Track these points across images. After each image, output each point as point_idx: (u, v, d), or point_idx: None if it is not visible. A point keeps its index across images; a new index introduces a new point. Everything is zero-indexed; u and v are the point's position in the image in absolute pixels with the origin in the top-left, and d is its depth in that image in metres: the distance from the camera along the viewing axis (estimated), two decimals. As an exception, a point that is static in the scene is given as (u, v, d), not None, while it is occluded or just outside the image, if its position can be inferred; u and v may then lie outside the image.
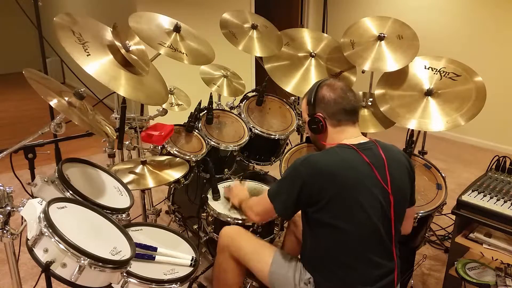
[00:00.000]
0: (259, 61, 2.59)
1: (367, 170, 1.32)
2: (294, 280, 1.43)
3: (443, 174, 1.99)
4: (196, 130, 2.22)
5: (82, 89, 1.42)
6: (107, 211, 1.40)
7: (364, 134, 2.21)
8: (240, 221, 1.84)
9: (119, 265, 1.18)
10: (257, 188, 2.14)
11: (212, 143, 2.19)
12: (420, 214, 1.80)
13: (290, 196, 1.35)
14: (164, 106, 2.22)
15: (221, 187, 2.08)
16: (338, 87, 1.44)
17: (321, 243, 1.37)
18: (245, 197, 1.77)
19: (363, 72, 2.28)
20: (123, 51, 1.57)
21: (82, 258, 1.08)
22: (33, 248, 1.11)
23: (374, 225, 1.31)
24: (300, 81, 2.40)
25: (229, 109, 2.47)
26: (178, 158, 2.00)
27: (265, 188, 2.15)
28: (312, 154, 1.36)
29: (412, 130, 2.11)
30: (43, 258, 1.10)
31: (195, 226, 2.13)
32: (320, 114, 1.43)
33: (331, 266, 1.36)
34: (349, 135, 1.42)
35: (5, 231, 1.25)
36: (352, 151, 1.35)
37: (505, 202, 1.69)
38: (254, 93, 2.54)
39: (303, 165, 1.34)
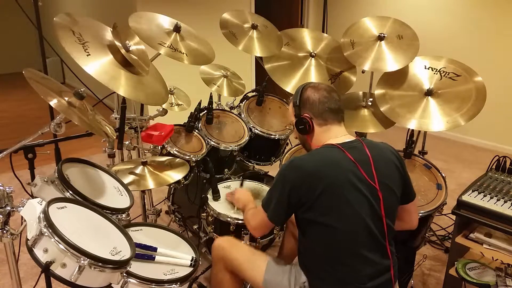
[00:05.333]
0: (259, 61, 2.59)
1: (352, 167, 1.34)
2: (289, 286, 1.43)
3: (443, 174, 1.99)
4: (196, 130, 2.22)
5: (82, 89, 1.42)
6: (107, 211, 1.40)
7: (364, 134, 2.23)
8: (240, 221, 1.84)
9: (119, 265, 1.18)
10: (257, 188, 2.14)
11: (212, 143, 2.19)
12: (420, 214, 1.80)
13: (281, 202, 1.36)
14: (164, 106, 2.23)
15: (221, 187, 2.08)
16: (322, 88, 1.48)
17: (313, 242, 1.38)
18: (248, 201, 1.75)
19: (363, 72, 2.28)
20: (123, 51, 1.57)
21: (82, 258, 1.08)
22: (33, 248, 1.11)
23: (363, 221, 1.31)
24: (300, 81, 2.40)
25: (229, 109, 2.47)
26: (178, 159, 2.00)
27: (265, 188, 2.15)
28: (296, 157, 1.38)
29: (412, 130, 2.11)
30: (43, 258, 1.10)
31: (195, 226, 2.13)
32: (307, 115, 1.46)
33: (324, 265, 1.36)
34: (335, 134, 1.45)
35: (5, 231, 1.25)
36: (336, 150, 1.37)
37: (505, 202, 1.69)
38: (254, 93, 2.54)
39: (288, 170, 1.36)
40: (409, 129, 2.10)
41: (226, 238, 1.66)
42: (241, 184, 2.15)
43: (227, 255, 1.56)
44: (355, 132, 2.23)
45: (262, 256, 1.57)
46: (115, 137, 1.72)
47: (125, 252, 1.25)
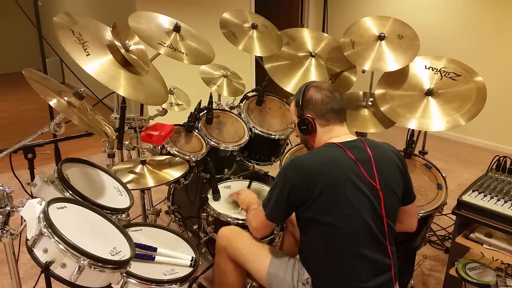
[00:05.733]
0: (259, 61, 2.58)
1: (353, 166, 1.33)
2: (292, 281, 1.43)
3: (443, 174, 1.99)
4: (196, 130, 2.22)
5: (81, 89, 1.42)
6: (107, 211, 1.40)
7: (365, 134, 2.23)
8: (240, 221, 1.84)
9: (119, 265, 1.18)
10: (260, 189, 2.14)
11: (212, 143, 2.18)
12: (420, 214, 1.80)
13: (280, 200, 1.37)
14: (164, 106, 2.22)
15: (221, 187, 2.08)
16: (324, 87, 1.48)
17: (313, 242, 1.38)
18: (253, 202, 1.75)
19: (363, 72, 2.27)
20: (122, 51, 1.57)
21: (81, 258, 1.08)
22: (33, 248, 1.11)
23: (363, 220, 1.31)
24: (300, 81, 2.40)
25: (229, 109, 2.47)
26: (177, 158, 2.00)
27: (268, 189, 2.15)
28: (297, 156, 1.38)
29: (413, 130, 2.10)
30: (43, 258, 1.09)
31: (195, 226, 2.12)
32: (309, 115, 1.46)
33: (325, 264, 1.36)
34: (337, 134, 1.45)
35: (4, 231, 1.25)
36: (338, 149, 1.37)
37: (505, 202, 1.68)
38: (254, 93, 2.54)
39: (289, 169, 1.36)
40: (409, 129, 2.10)
41: (232, 227, 1.66)
42: (249, 186, 2.14)
43: (231, 245, 1.56)
44: (355, 132, 2.23)
45: (267, 248, 1.56)
46: (114, 137, 1.72)
47: (125, 252, 1.25)
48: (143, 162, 1.86)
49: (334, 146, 1.39)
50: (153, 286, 1.33)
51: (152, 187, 1.83)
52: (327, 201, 1.31)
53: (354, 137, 1.44)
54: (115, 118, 2.04)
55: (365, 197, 1.32)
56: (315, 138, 1.48)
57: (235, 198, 1.93)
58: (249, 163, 2.46)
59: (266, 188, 2.15)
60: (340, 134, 1.45)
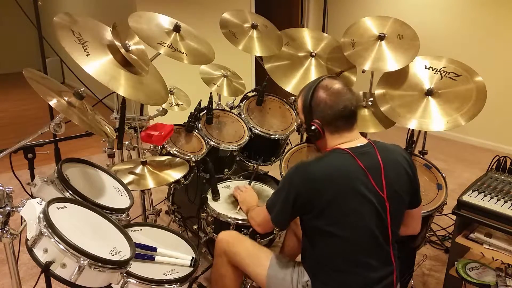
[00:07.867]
0: (259, 61, 2.58)
1: (361, 175, 1.30)
2: (292, 283, 1.43)
3: (443, 174, 1.99)
4: (196, 130, 2.22)
5: (81, 89, 1.42)
6: (107, 211, 1.40)
7: (364, 134, 2.23)
8: (240, 222, 1.84)
9: (119, 265, 1.18)
10: (258, 189, 2.14)
11: (212, 143, 2.18)
12: (420, 214, 1.80)
13: (286, 206, 1.35)
14: (164, 106, 2.22)
15: (221, 187, 2.08)
16: (335, 91, 1.37)
17: (318, 249, 1.37)
18: (254, 204, 1.74)
19: (363, 72, 2.27)
20: (122, 51, 1.57)
21: (81, 258, 1.08)
22: (33, 248, 1.11)
23: (370, 230, 1.30)
24: (300, 81, 2.40)
25: (229, 109, 2.47)
26: (178, 158, 2.00)
27: (271, 191, 2.14)
28: (304, 162, 1.35)
29: (413, 130, 2.10)
30: (43, 258, 1.09)
31: (195, 226, 2.12)
32: (317, 121, 1.38)
33: (329, 271, 1.36)
34: (347, 139, 1.39)
35: (4, 231, 1.25)
36: (347, 156, 1.33)
37: (505, 202, 1.69)
38: (254, 93, 2.54)
39: (296, 174, 1.34)
40: (409, 129, 2.10)
41: (230, 232, 1.66)
42: (250, 183, 2.12)
43: (230, 249, 1.56)
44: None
45: (266, 251, 1.56)
46: (114, 137, 1.72)
47: (125, 252, 1.25)
48: (144, 163, 1.86)
49: (343, 153, 1.34)
50: (153, 286, 1.33)
51: (152, 188, 1.82)
52: (333, 211, 1.29)
53: (364, 142, 1.39)
54: (115, 118, 2.04)
55: (372, 207, 1.30)
56: (324, 143, 1.43)
57: (236, 194, 1.93)
58: (249, 163, 2.46)
59: (266, 188, 2.15)
60: (351, 139, 1.38)
